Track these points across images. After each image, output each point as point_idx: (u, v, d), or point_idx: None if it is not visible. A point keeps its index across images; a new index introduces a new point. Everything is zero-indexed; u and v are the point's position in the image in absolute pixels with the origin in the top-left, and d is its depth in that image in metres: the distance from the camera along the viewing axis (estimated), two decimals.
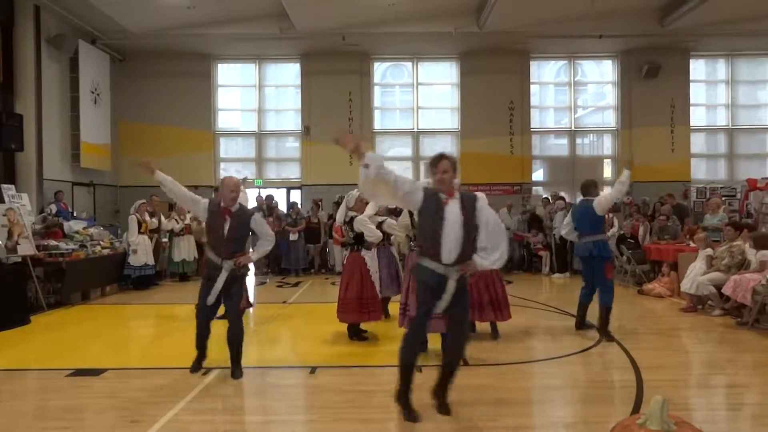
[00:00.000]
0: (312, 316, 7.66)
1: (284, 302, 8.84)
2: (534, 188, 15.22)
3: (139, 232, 10.17)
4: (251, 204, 12.06)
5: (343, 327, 6.25)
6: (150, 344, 6.41)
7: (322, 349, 5.84)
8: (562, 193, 13.77)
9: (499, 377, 4.84)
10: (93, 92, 13.34)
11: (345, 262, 6.15)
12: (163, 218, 11.18)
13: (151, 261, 10.24)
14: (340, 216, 6.25)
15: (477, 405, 4.16)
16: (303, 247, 12.72)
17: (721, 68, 15.48)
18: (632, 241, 10.96)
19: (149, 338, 6.81)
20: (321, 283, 11.26)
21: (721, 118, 15.48)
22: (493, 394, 4.37)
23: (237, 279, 4.78)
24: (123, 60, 14.67)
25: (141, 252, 10.05)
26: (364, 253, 6.00)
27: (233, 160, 15.59)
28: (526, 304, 8.49)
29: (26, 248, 8.08)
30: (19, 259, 7.93)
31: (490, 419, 3.83)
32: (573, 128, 15.51)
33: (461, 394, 4.44)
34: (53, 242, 8.87)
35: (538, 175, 15.55)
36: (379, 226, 6.22)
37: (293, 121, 15.35)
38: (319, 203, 13.45)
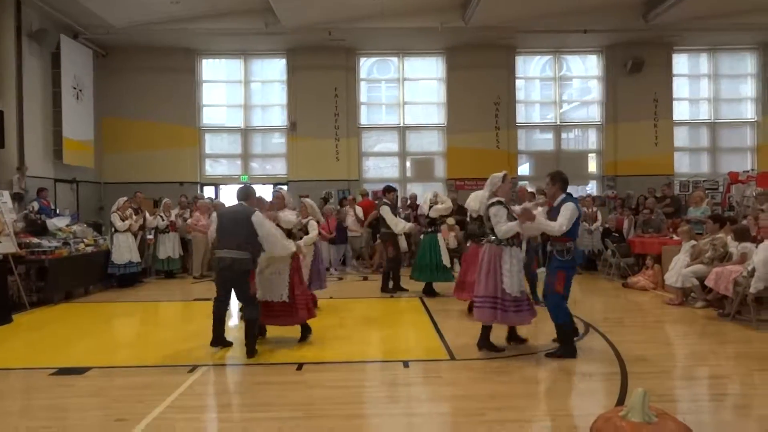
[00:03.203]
0: None
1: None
2: (520, 182, 15.26)
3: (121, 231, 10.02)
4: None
5: (334, 323, 6.23)
6: (135, 342, 6.35)
7: (310, 346, 5.82)
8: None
9: (484, 372, 4.85)
10: (75, 88, 13.14)
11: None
12: (148, 215, 11.07)
13: (135, 258, 10.12)
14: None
15: (463, 400, 4.17)
16: None
17: (704, 62, 15.61)
18: (617, 234, 11.06)
19: (134, 336, 6.75)
20: None
21: (704, 112, 15.62)
22: (479, 389, 4.39)
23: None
24: (106, 55, 14.47)
25: (125, 249, 9.94)
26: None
27: (218, 156, 15.48)
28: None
29: (7, 246, 7.96)
30: (1, 257, 7.79)
31: (477, 414, 3.85)
32: (558, 123, 15.59)
33: (447, 389, 4.47)
34: (35, 240, 8.75)
35: (524, 169, 15.62)
36: (303, 228, 6.90)
37: (279, 117, 15.27)
38: (329, 197, 13.34)
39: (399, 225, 8.64)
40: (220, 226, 5.49)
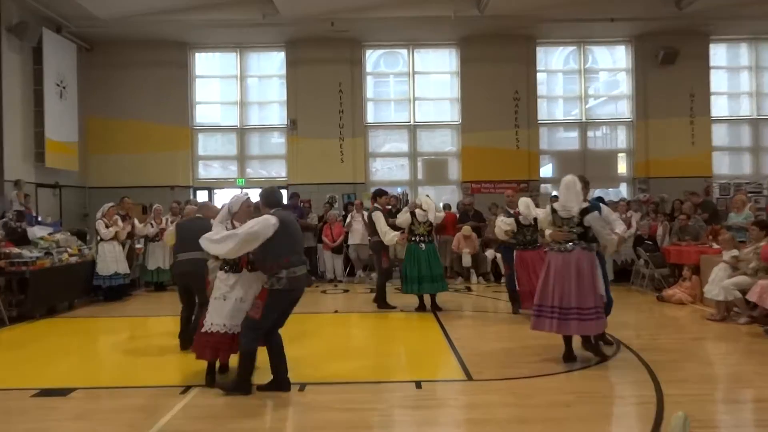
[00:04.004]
0: (301, 329, 7.63)
1: None
2: (542, 185, 15.24)
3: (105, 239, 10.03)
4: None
5: (339, 339, 6.21)
6: (123, 361, 6.36)
7: (313, 364, 5.81)
8: None
9: (509, 393, 4.84)
10: (58, 85, 13.26)
11: None
12: (136, 222, 11.11)
13: (122, 269, 10.15)
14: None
15: (482, 425, 4.14)
16: None
17: (744, 53, 15.51)
18: (650, 242, 10.98)
19: (121, 354, 6.76)
20: (310, 292, 11.19)
21: (745, 108, 15.51)
22: (500, 414, 4.37)
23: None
24: (91, 50, 14.60)
25: (111, 259, 9.97)
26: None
27: (213, 158, 15.54)
28: None
29: None
30: None
31: None
32: (584, 120, 15.53)
33: (470, 411, 4.44)
34: (15, 250, 8.79)
35: (546, 170, 15.57)
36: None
37: (278, 115, 15.32)
38: (333, 202, 13.40)
39: (388, 235, 8.62)
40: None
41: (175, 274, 6.54)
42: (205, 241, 4.84)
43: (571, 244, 5.61)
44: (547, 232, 5.96)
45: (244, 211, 5.18)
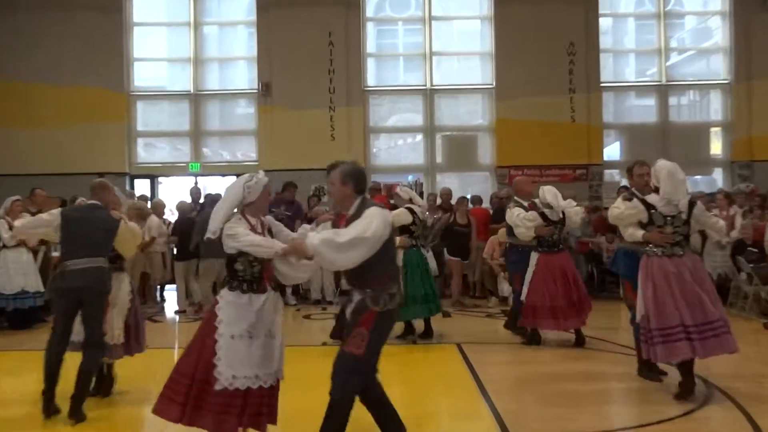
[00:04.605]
0: None
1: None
2: (607, 172, 15.15)
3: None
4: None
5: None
6: (30, 413, 6.29)
7: (296, 413, 5.75)
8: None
9: None
10: None
11: None
12: None
13: (33, 286, 10.10)
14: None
15: None
16: None
17: None
18: (755, 250, 10.85)
19: (29, 407, 6.68)
20: (290, 317, 11.15)
21: None
22: None
23: None
24: None
25: (16, 272, 9.92)
26: None
27: (157, 135, 15.53)
28: (600, 346, 8.46)
29: None
30: None
31: None
32: (664, 82, 15.51)
33: None
34: None
35: (612, 151, 15.50)
36: None
37: (245, 77, 15.37)
38: (321, 194, 13.35)
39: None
40: None
41: (59, 290, 5.93)
42: (325, 247, 4.29)
43: (678, 247, 6.01)
44: (635, 232, 6.18)
45: (264, 201, 4.85)
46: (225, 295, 4.63)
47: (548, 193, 8.22)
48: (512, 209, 8.59)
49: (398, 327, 8.71)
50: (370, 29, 15.51)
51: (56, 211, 6.07)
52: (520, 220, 8.26)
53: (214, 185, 13.97)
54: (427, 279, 8.86)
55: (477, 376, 7.02)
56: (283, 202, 11.87)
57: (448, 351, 8.32)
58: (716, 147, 15.56)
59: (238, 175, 15.39)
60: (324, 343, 8.52)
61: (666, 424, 5.42)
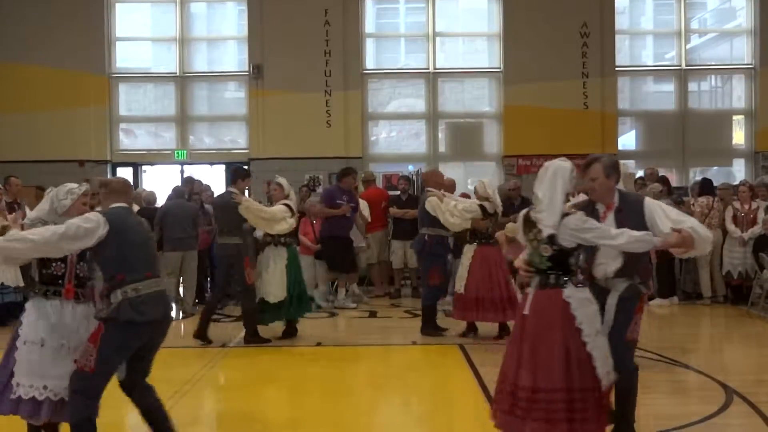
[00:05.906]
0: (267, 370, 7.45)
1: (222, 346, 8.78)
2: (622, 162, 14.99)
3: None
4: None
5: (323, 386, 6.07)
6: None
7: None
8: (663, 171, 13.62)
9: None
10: None
11: None
12: (28, 210, 10.96)
13: (12, 280, 10.03)
14: None
15: None
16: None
17: None
18: None
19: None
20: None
21: None
22: None
23: None
24: None
25: None
26: None
27: (140, 120, 15.47)
28: None
29: None
30: None
31: None
32: (683, 66, 15.48)
33: None
34: None
35: (627, 140, 15.45)
36: None
37: (235, 58, 15.43)
38: (314, 184, 13.26)
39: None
40: None
41: None
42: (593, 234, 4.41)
43: None
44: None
45: None
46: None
47: (487, 186, 8.71)
48: (446, 200, 8.89)
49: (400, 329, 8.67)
50: (369, 8, 15.46)
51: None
52: (459, 211, 8.59)
53: (202, 174, 13.85)
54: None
55: (480, 377, 7.00)
56: (344, 193, 11.37)
57: (447, 350, 8.33)
58: (738, 136, 15.53)
59: (227, 164, 15.44)
60: (318, 344, 8.58)
61: (683, 430, 5.42)
